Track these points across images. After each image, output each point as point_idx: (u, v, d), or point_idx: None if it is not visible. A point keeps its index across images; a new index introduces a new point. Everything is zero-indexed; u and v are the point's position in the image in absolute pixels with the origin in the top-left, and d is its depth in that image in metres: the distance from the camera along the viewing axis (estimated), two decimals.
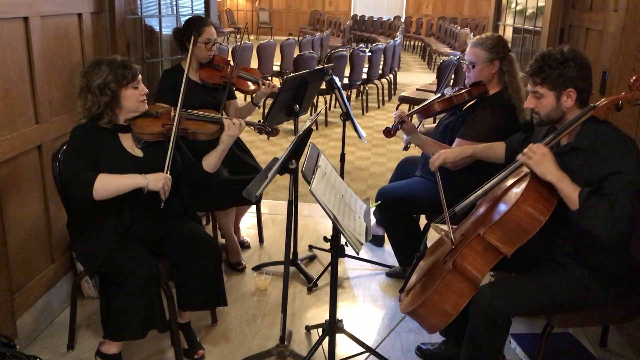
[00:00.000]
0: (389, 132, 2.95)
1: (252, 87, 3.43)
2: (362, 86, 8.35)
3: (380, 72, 8.77)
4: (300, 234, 3.65)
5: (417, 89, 7.58)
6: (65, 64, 2.87)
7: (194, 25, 3.19)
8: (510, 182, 2.28)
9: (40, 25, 2.63)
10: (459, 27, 13.55)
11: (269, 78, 7.41)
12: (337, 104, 6.78)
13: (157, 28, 3.88)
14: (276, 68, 8.50)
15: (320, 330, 2.62)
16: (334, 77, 3.36)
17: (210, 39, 3.23)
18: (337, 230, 2.22)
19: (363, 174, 5.56)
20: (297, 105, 3.26)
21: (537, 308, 2.24)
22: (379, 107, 8.75)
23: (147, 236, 2.47)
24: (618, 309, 2.29)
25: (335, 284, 2.38)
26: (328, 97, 7.92)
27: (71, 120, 2.72)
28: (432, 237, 2.54)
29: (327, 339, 2.45)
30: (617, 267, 2.17)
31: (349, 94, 8.29)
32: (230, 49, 7.87)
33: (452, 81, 6.87)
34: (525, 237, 2.09)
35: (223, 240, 3.54)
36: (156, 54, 3.92)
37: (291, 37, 9.40)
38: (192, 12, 4.17)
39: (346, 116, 3.43)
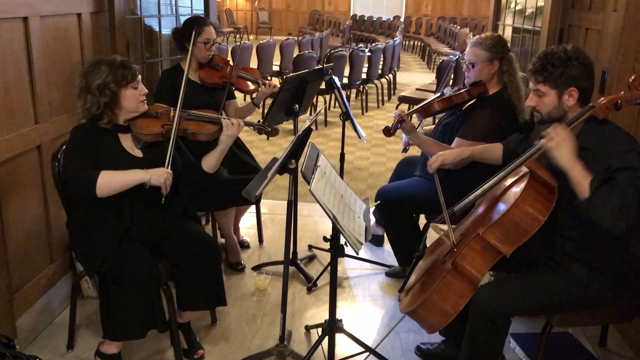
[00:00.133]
0: (388, 131, 2.95)
1: (251, 86, 3.43)
2: (361, 86, 8.35)
3: (379, 72, 8.77)
4: (299, 234, 3.65)
5: (417, 89, 7.58)
6: (64, 64, 2.87)
7: (194, 25, 3.19)
8: (509, 181, 2.28)
9: (40, 25, 2.63)
10: (458, 27, 13.55)
11: (269, 78, 7.41)
12: (337, 104, 6.78)
13: (156, 28, 3.88)
14: (276, 68, 8.50)
15: (319, 330, 2.62)
16: (334, 77, 3.36)
17: (209, 38, 3.24)
18: (336, 230, 2.23)
19: (362, 174, 5.56)
20: (297, 105, 3.26)
21: (536, 308, 2.24)
22: (378, 107, 8.75)
23: (147, 236, 2.47)
24: (617, 308, 2.29)
25: (334, 284, 2.38)
26: (327, 97, 7.92)
27: (71, 120, 2.72)
28: (432, 236, 2.54)
29: (326, 338, 2.45)
30: (616, 266, 2.18)
31: (348, 93, 8.29)
32: (229, 49, 7.87)
33: (451, 81, 6.87)
34: (524, 236, 2.09)
35: (223, 240, 3.55)
36: (155, 54, 3.92)
37: (291, 37, 9.39)
38: (192, 12, 4.18)
39: (346, 116, 3.43)
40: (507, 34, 4.33)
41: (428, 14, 18.79)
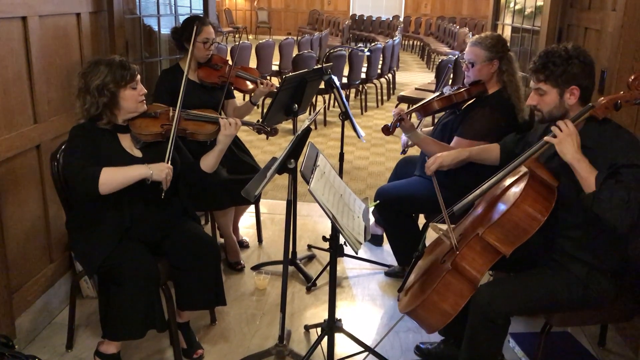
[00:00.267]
0: (387, 130, 2.94)
1: (250, 86, 3.43)
2: (360, 86, 8.35)
3: (379, 71, 8.77)
4: (299, 234, 3.65)
5: (416, 89, 7.59)
6: (63, 63, 2.87)
7: (193, 25, 3.19)
8: (508, 181, 2.28)
9: (39, 25, 2.63)
10: (457, 27, 13.56)
11: (268, 77, 7.42)
12: (336, 104, 6.78)
13: (155, 28, 3.88)
14: (275, 67, 8.50)
15: (319, 329, 2.62)
16: (333, 76, 3.36)
17: (208, 38, 3.23)
18: (336, 230, 2.22)
19: (362, 174, 5.56)
20: (296, 105, 3.26)
21: (536, 307, 2.24)
22: (377, 106, 8.75)
23: (146, 236, 2.47)
24: (617, 308, 2.29)
25: (334, 284, 2.38)
26: (327, 96, 7.92)
27: (70, 120, 2.72)
28: (431, 236, 2.54)
29: (326, 338, 2.45)
30: (616, 266, 2.18)
31: (347, 93, 8.28)
32: (228, 49, 7.87)
33: (450, 80, 6.87)
34: (524, 236, 2.09)
35: (222, 240, 3.54)
36: (155, 54, 3.92)
37: (290, 37, 9.39)
38: (191, 11, 4.17)
39: (345, 116, 3.43)
40: (507, 33, 4.33)
41: (427, 13, 18.80)
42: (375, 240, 3.83)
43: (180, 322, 2.64)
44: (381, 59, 8.77)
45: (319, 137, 6.83)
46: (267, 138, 2.81)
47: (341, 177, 2.71)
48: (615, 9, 2.75)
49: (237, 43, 8.49)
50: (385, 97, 9.22)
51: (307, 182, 2.12)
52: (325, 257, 3.62)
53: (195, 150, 2.74)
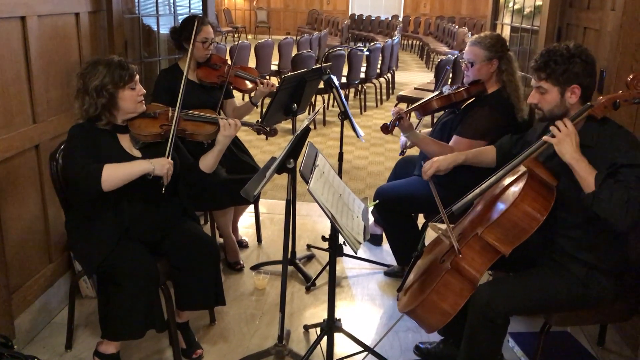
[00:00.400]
0: (386, 128, 2.94)
1: (249, 85, 3.43)
2: (360, 85, 8.35)
3: (378, 71, 8.76)
4: (298, 234, 3.65)
5: (415, 88, 7.59)
6: (62, 63, 2.86)
7: (192, 24, 3.18)
8: (507, 181, 2.28)
9: (38, 24, 2.63)
10: (456, 26, 13.56)
11: (267, 77, 7.41)
12: (335, 103, 6.77)
13: (154, 27, 3.87)
14: (274, 67, 8.50)
15: (318, 329, 2.62)
16: (332, 76, 3.36)
17: (207, 38, 3.23)
18: (335, 230, 2.22)
19: (361, 173, 5.56)
20: (295, 105, 3.26)
21: (535, 307, 2.24)
22: (377, 106, 8.75)
23: (145, 236, 2.47)
24: (616, 307, 2.29)
25: (333, 283, 2.38)
26: (326, 96, 7.92)
27: (69, 120, 2.72)
28: (430, 236, 2.54)
29: (325, 338, 2.45)
30: (615, 265, 2.18)
31: (347, 93, 8.28)
32: (227, 49, 7.87)
33: (450, 80, 6.87)
34: (523, 236, 2.09)
35: (221, 240, 3.54)
36: (154, 54, 3.91)
37: (289, 37, 9.40)
38: (190, 11, 4.17)
39: (344, 115, 3.43)
40: (506, 33, 4.33)
41: (426, 13, 18.80)
42: (375, 240, 3.83)
43: (180, 322, 2.64)
44: (380, 58, 8.77)
45: (318, 136, 6.83)
46: (266, 138, 2.81)
47: (340, 177, 2.71)
48: (614, 9, 2.75)
49: (236, 43, 8.47)
50: (384, 97, 9.22)
51: (307, 182, 2.11)
52: (324, 256, 3.62)
53: (193, 150, 2.74)
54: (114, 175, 2.25)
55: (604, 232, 2.13)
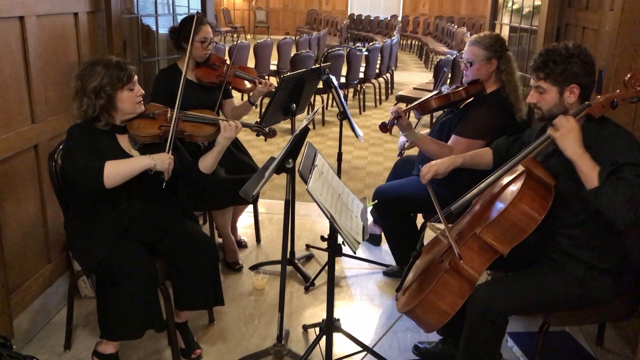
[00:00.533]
0: (385, 127, 2.95)
1: (248, 85, 3.43)
2: (359, 85, 8.35)
3: (377, 71, 8.77)
4: (297, 233, 3.65)
5: (414, 88, 7.59)
6: (61, 63, 2.86)
7: (191, 24, 3.18)
8: (505, 180, 2.28)
9: (36, 24, 2.63)
10: (455, 26, 13.56)
11: (266, 77, 7.41)
12: (334, 103, 6.77)
13: (153, 27, 3.87)
14: (273, 67, 8.50)
15: (317, 329, 2.62)
16: (331, 76, 3.36)
17: (206, 37, 3.23)
18: (334, 230, 2.22)
19: (360, 173, 5.56)
20: (294, 105, 3.26)
21: (534, 306, 2.24)
22: (376, 106, 8.75)
23: (144, 236, 2.47)
24: (615, 306, 2.29)
25: (332, 283, 2.38)
26: (325, 96, 7.92)
27: (67, 120, 2.71)
28: (429, 236, 2.54)
29: (324, 338, 2.45)
30: (613, 264, 2.18)
31: (346, 93, 8.28)
32: (226, 49, 7.86)
33: (449, 80, 6.88)
34: (521, 236, 2.09)
35: (220, 240, 3.54)
36: (153, 54, 3.91)
37: (288, 37, 9.40)
38: (189, 11, 4.17)
39: (343, 115, 3.43)
40: (504, 33, 4.33)
41: (425, 13, 18.80)
42: (374, 240, 3.83)
43: (179, 322, 2.64)
44: (379, 58, 8.78)
45: (317, 136, 6.83)
46: (265, 139, 2.81)
47: (339, 177, 2.71)
48: (612, 9, 2.75)
49: (235, 43, 8.47)
50: (383, 97, 9.23)
51: (305, 182, 2.12)
52: (323, 256, 3.62)
53: (193, 151, 2.74)
54: (116, 171, 2.25)
55: (602, 232, 2.13)
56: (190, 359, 2.63)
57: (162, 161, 2.35)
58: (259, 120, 3.02)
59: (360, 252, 3.66)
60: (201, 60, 3.31)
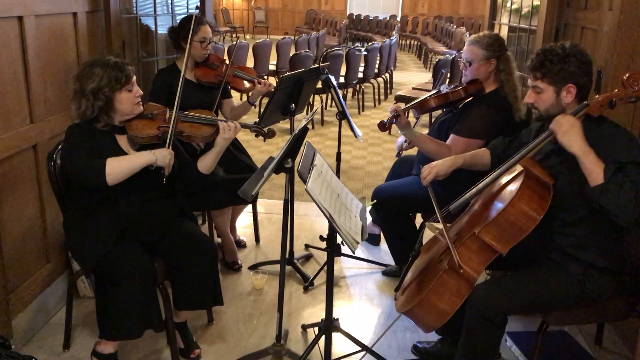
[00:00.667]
0: (383, 126, 2.95)
1: (247, 85, 3.43)
2: (358, 85, 8.35)
3: (376, 71, 8.77)
4: (296, 233, 3.65)
5: (413, 88, 7.59)
6: (60, 63, 2.86)
7: (190, 24, 3.18)
8: (504, 180, 2.28)
9: (35, 24, 2.62)
10: (454, 26, 13.57)
11: (265, 77, 7.41)
12: (333, 103, 6.76)
13: (152, 27, 3.87)
14: (272, 67, 8.50)
15: (316, 329, 2.62)
16: (330, 76, 3.35)
17: (205, 37, 3.23)
18: (333, 229, 2.23)
19: (359, 173, 5.56)
20: (293, 105, 3.26)
21: (533, 306, 2.25)
22: (375, 106, 8.75)
23: (143, 236, 2.47)
24: (613, 306, 2.29)
25: (331, 283, 2.38)
26: (324, 96, 7.93)
27: (66, 120, 2.72)
28: (428, 235, 2.54)
29: (323, 337, 2.45)
30: (612, 264, 2.18)
31: (345, 93, 8.29)
32: (225, 49, 7.86)
33: (447, 80, 6.88)
34: (520, 235, 2.09)
35: (219, 240, 3.54)
36: (152, 53, 3.91)
37: (287, 36, 9.39)
38: (188, 11, 4.17)
39: (342, 115, 3.43)
40: (503, 32, 4.33)
41: (424, 13, 18.81)
42: (373, 240, 3.83)
43: (178, 322, 2.64)
44: (378, 58, 8.78)
45: (316, 136, 6.83)
46: (264, 140, 2.81)
47: (338, 177, 2.71)
48: (611, 9, 2.75)
49: (234, 43, 8.47)
50: (382, 97, 9.23)
51: (304, 182, 2.12)
52: (322, 256, 3.62)
53: (190, 150, 2.74)
54: (118, 168, 2.26)
55: (601, 231, 2.13)
56: (189, 359, 2.63)
57: (163, 156, 2.36)
58: (257, 121, 3.02)
59: (359, 252, 3.66)
60: (200, 60, 3.31)
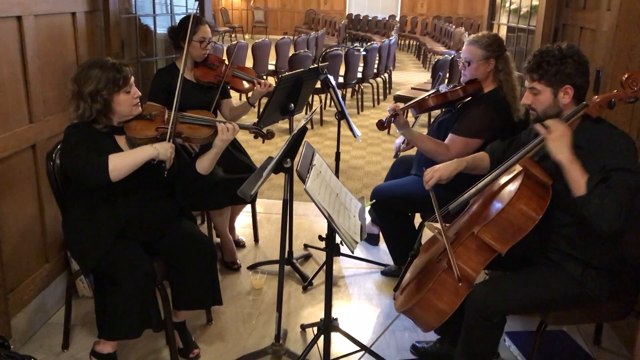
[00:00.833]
0: (382, 125, 2.95)
1: (246, 85, 3.43)
2: (357, 85, 8.35)
3: (375, 71, 8.77)
4: (295, 233, 3.65)
5: (412, 88, 7.59)
6: (59, 63, 2.86)
7: (189, 24, 3.18)
8: (503, 180, 2.28)
9: (34, 24, 2.62)
10: (453, 26, 13.59)
11: (264, 77, 7.41)
12: (332, 103, 6.76)
13: (151, 27, 3.87)
14: (271, 67, 8.50)
15: (315, 328, 2.62)
16: (329, 76, 3.36)
17: (205, 37, 3.23)
18: (332, 229, 2.23)
19: (358, 173, 5.56)
20: (292, 104, 3.26)
21: (532, 305, 2.25)
22: (374, 106, 8.76)
23: (142, 236, 2.47)
24: (612, 306, 2.30)
25: (330, 283, 2.38)
26: (323, 96, 7.93)
27: (65, 120, 2.71)
28: (427, 235, 2.54)
29: (322, 337, 2.45)
30: (610, 263, 2.18)
31: (344, 93, 8.29)
32: (225, 48, 7.86)
33: (447, 80, 6.89)
34: (519, 235, 2.09)
35: (218, 240, 3.54)
36: (151, 53, 3.91)
37: (286, 36, 9.39)
38: (187, 11, 4.17)
39: (341, 115, 3.43)
40: (502, 33, 4.34)
41: (423, 13, 18.82)
42: (372, 240, 3.83)
43: (177, 322, 2.64)
44: (377, 58, 8.78)
45: (315, 136, 6.83)
46: (263, 141, 2.80)
47: (337, 177, 2.72)
48: (610, 9, 2.76)
49: (234, 43, 8.47)
50: (381, 97, 9.23)
51: (303, 182, 2.12)
52: (321, 256, 3.62)
53: (189, 150, 2.73)
54: (121, 164, 2.26)
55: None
56: (188, 359, 2.63)
57: (165, 149, 2.36)
58: (256, 121, 3.02)
59: (358, 252, 3.66)
60: (199, 60, 3.31)
